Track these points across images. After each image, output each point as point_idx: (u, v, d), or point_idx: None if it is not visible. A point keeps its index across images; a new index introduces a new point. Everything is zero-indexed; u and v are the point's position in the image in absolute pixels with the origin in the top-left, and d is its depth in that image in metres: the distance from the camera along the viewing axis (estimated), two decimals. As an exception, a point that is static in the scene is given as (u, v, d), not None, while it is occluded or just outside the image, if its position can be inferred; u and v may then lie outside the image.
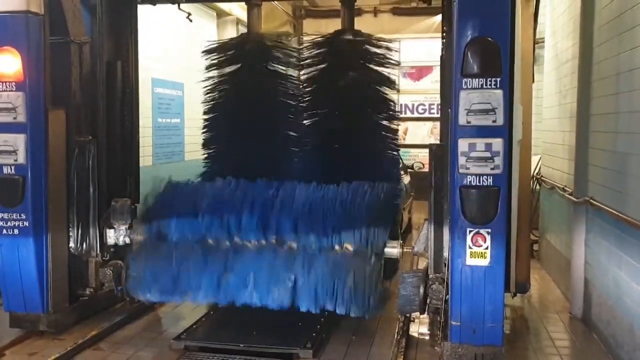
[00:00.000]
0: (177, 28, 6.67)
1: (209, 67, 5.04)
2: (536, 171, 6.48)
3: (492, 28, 3.09)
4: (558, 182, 5.42)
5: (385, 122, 5.05)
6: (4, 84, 3.51)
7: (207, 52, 5.07)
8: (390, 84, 5.08)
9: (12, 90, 3.50)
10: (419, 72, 10.84)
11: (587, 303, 4.33)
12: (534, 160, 6.69)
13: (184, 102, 7.57)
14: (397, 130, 5.24)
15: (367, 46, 5.01)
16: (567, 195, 4.82)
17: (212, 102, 5.07)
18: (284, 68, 5.09)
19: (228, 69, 5.04)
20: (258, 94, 4.91)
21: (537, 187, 6.50)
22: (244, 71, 4.98)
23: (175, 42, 7.06)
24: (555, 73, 5.92)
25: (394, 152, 5.23)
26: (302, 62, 5.14)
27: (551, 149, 6.01)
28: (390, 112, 5.12)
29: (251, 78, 4.94)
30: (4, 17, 3.51)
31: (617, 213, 3.62)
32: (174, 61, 7.17)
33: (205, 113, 5.12)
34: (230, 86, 5.01)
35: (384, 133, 5.06)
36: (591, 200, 4.18)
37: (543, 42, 6.55)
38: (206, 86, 5.08)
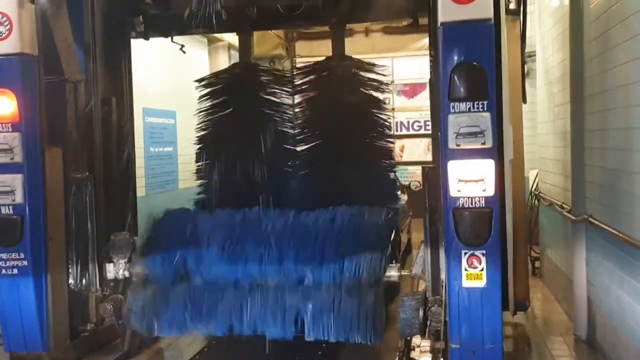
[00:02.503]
0: (168, 56, 6.73)
1: (201, 97, 5.10)
2: (534, 187, 6.50)
3: (476, 52, 3.14)
4: (556, 198, 5.42)
5: (380, 144, 5.09)
6: (1, 125, 3.56)
7: (199, 81, 5.13)
8: (383, 105, 5.14)
9: (8, 132, 3.55)
10: (413, 90, 10.91)
11: (591, 324, 4.28)
12: (532, 175, 6.72)
13: (177, 130, 7.62)
14: (392, 150, 5.28)
15: (358, 70, 5.07)
16: (566, 213, 4.80)
17: (204, 131, 5.12)
18: (275, 95, 5.16)
19: (220, 98, 5.09)
20: (250, 122, 4.97)
21: (536, 202, 6.51)
22: (235, 99, 5.04)
23: (166, 70, 7.11)
24: (547, 88, 5.97)
25: (391, 174, 5.26)
26: (294, 89, 5.20)
27: (548, 164, 6.02)
28: (385, 134, 5.17)
29: (243, 106, 5.00)
30: (-1, 59, 3.58)
31: (616, 232, 3.61)
32: (165, 89, 7.22)
33: (197, 141, 5.17)
34: (223, 114, 5.06)
35: (379, 155, 5.11)
36: (590, 219, 4.17)
37: (535, 56, 6.61)
38: (199, 115, 5.15)
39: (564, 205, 4.96)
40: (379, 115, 5.12)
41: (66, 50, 3.93)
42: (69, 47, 3.97)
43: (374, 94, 5.12)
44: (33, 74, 3.64)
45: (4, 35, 3.54)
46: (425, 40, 4.59)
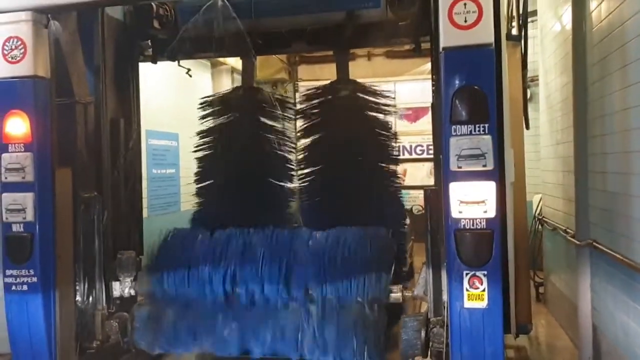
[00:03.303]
0: (171, 78, 6.83)
1: (202, 119, 5.20)
2: (538, 211, 6.51)
3: (477, 76, 3.22)
4: (559, 223, 5.42)
5: (385, 167, 5.14)
6: (13, 145, 3.65)
7: (201, 104, 5.23)
8: (388, 128, 5.20)
9: (20, 151, 3.64)
10: (415, 114, 11.00)
11: (596, 351, 4.25)
12: (536, 199, 6.74)
13: (179, 152, 7.70)
14: (398, 173, 5.31)
15: (363, 94, 5.14)
16: (570, 238, 4.80)
17: (205, 153, 5.21)
18: (275, 119, 5.25)
19: (221, 121, 5.18)
20: (250, 145, 5.07)
21: (540, 227, 6.51)
22: (236, 122, 5.13)
23: (169, 92, 7.21)
24: (549, 112, 6.04)
25: (397, 196, 5.28)
26: (298, 114, 5.27)
27: (551, 188, 6.05)
28: (391, 157, 5.22)
29: (244, 129, 5.10)
30: (13, 82, 3.68)
31: (621, 257, 3.62)
32: (168, 112, 7.30)
33: (198, 163, 5.25)
34: (224, 137, 5.15)
35: (385, 177, 5.15)
36: (594, 243, 4.17)
37: (538, 80, 6.69)
38: (200, 137, 5.23)
39: (567, 230, 4.95)
40: (385, 139, 5.17)
41: (77, 73, 4.03)
42: (80, 70, 4.07)
43: (379, 117, 5.17)
44: (45, 96, 3.73)
45: (18, 59, 3.65)
46: (428, 65, 4.66)
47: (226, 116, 5.18)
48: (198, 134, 5.24)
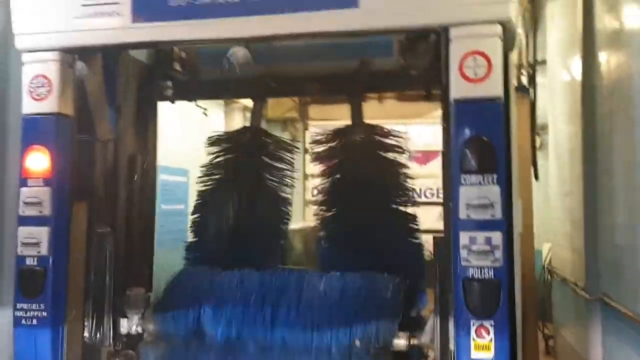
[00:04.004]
0: (184, 115, 6.94)
1: (209, 156, 5.27)
2: (547, 261, 6.48)
3: (487, 128, 3.30)
4: (569, 274, 5.37)
5: (403, 210, 5.09)
6: (33, 179, 3.75)
7: (209, 142, 5.31)
8: (405, 171, 5.18)
9: (40, 186, 3.73)
10: (426, 157, 10.99)
11: (610, 415, 4.18)
12: (545, 248, 6.72)
13: (189, 188, 7.76)
14: (416, 217, 5.18)
15: (378, 137, 5.16)
16: (580, 291, 4.76)
17: (204, 187, 5.25)
18: (278, 161, 5.31)
19: (224, 158, 5.23)
20: (250, 184, 5.14)
21: (549, 277, 6.46)
22: (239, 161, 5.20)
23: (182, 129, 7.31)
24: (558, 162, 6.09)
25: (415, 239, 5.12)
26: (313, 156, 5.32)
27: (560, 238, 6.04)
28: (409, 199, 5.15)
29: (245, 168, 5.18)
30: (37, 118, 3.80)
31: (630, 313, 3.60)
32: (180, 148, 7.38)
33: (197, 196, 5.29)
34: (224, 174, 5.20)
35: (403, 221, 5.08)
36: (605, 298, 4.14)
37: (548, 128, 6.76)
38: (203, 172, 5.28)
39: (577, 283, 4.92)
40: (402, 181, 5.14)
41: (99, 111, 4.15)
42: (102, 108, 4.20)
43: (396, 159, 5.15)
44: (67, 133, 3.85)
45: (43, 96, 3.78)
46: (438, 110, 4.74)
47: (229, 154, 5.26)
48: (201, 167, 5.31)
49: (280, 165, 5.34)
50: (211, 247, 5.09)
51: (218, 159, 5.26)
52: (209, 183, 5.26)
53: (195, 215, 5.26)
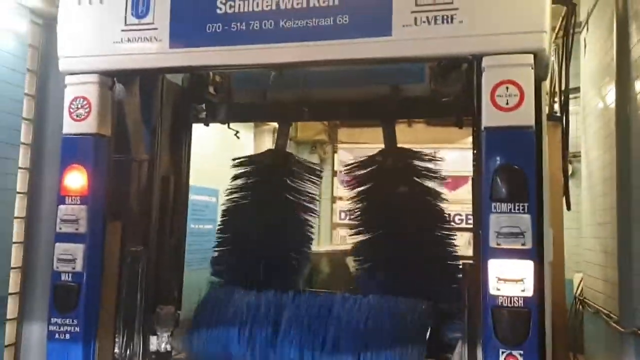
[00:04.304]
0: (215, 136, 7.04)
1: (234, 178, 5.36)
2: (578, 291, 6.36)
3: (518, 157, 3.29)
4: (602, 306, 5.24)
5: (440, 235, 5.02)
6: (71, 197, 3.86)
7: (234, 164, 5.42)
8: (441, 196, 5.11)
9: (76, 204, 3.84)
10: (455, 182, 10.83)
11: None
12: (577, 278, 6.59)
13: (218, 208, 7.86)
14: (453, 241, 5.08)
15: (413, 161, 5.13)
16: (613, 323, 4.66)
17: (229, 207, 5.34)
18: (302, 184, 5.39)
19: (249, 180, 5.33)
20: (274, 206, 5.20)
21: (580, 308, 6.33)
22: (263, 183, 5.29)
23: (212, 149, 7.42)
24: (590, 191, 6.01)
25: (454, 264, 4.98)
26: (350, 181, 5.32)
27: (592, 269, 5.91)
28: (445, 225, 5.09)
29: (271, 190, 5.26)
30: (76, 138, 3.93)
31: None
32: (210, 168, 7.48)
33: (222, 215, 5.37)
34: (249, 196, 5.29)
35: (440, 247, 5.00)
36: (639, 331, 4.06)
37: (581, 156, 6.67)
38: (228, 192, 5.38)
39: (611, 315, 4.81)
40: (438, 206, 5.07)
41: (135, 133, 4.28)
42: (138, 129, 4.32)
43: (431, 184, 5.10)
44: (104, 153, 3.96)
45: (83, 117, 3.90)
46: (468, 135, 4.71)
47: (253, 177, 5.34)
48: (225, 189, 5.41)
49: (303, 188, 5.41)
50: (232, 266, 5.16)
51: (242, 181, 5.36)
52: (231, 204, 5.35)
53: (219, 235, 5.35)
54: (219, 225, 5.41)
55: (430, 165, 5.12)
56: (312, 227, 5.47)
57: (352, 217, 5.33)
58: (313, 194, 5.48)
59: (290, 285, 4.76)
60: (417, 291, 4.37)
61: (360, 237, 5.19)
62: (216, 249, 5.36)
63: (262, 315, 4.18)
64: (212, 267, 5.29)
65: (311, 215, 5.45)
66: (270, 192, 5.26)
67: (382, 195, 5.13)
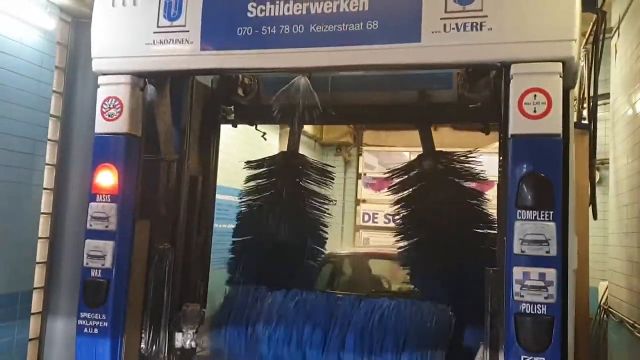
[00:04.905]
0: (240, 136, 7.07)
1: (247, 180, 5.42)
2: (603, 300, 6.30)
3: (544, 165, 3.30)
4: (626, 315, 5.21)
5: (486, 237, 4.85)
6: (101, 195, 3.95)
7: (247, 166, 5.47)
8: (484, 197, 5.06)
9: (107, 202, 3.93)
10: (480, 188, 10.81)
11: None
12: (602, 287, 6.53)
13: (242, 208, 7.92)
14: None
15: (453, 164, 5.09)
16: (637, 334, 4.63)
17: (244, 209, 5.39)
18: (313, 185, 5.39)
19: (263, 183, 5.37)
20: (287, 207, 5.23)
21: (605, 316, 6.28)
22: (276, 185, 5.31)
23: (236, 150, 7.48)
24: (618, 200, 5.95)
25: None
26: (393, 187, 5.25)
27: (617, 277, 5.87)
28: (491, 226, 4.89)
29: (284, 192, 5.26)
30: (107, 137, 4.02)
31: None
32: (234, 168, 7.56)
33: (237, 216, 5.42)
34: (264, 196, 5.33)
35: (486, 249, 4.77)
36: (664, 343, 4.02)
37: (609, 163, 6.60)
38: (243, 193, 5.44)
39: (635, 325, 4.77)
40: (482, 208, 5.01)
41: (165, 133, 4.36)
42: (168, 130, 4.40)
43: (473, 185, 5.08)
44: (135, 152, 4.05)
45: (114, 117, 3.99)
46: (494, 140, 4.67)
47: (266, 178, 5.38)
48: (240, 191, 5.46)
49: (315, 189, 5.43)
50: (247, 267, 5.19)
51: (255, 183, 5.40)
52: (246, 205, 5.41)
53: (235, 236, 5.40)
54: (235, 227, 5.46)
55: (471, 166, 5.06)
56: (325, 227, 5.47)
57: (397, 221, 5.26)
58: (324, 195, 5.51)
59: (303, 286, 4.79)
60: (467, 295, 4.31)
61: (409, 241, 5.12)
62: (231, 251, 5.42)
63: (286, 313, 4.23)
64: (228, 271, 5.35)
65: (323, 216, 5.46)
66: (282, 193, 5.28)
67: (430, 199, 5.05)
